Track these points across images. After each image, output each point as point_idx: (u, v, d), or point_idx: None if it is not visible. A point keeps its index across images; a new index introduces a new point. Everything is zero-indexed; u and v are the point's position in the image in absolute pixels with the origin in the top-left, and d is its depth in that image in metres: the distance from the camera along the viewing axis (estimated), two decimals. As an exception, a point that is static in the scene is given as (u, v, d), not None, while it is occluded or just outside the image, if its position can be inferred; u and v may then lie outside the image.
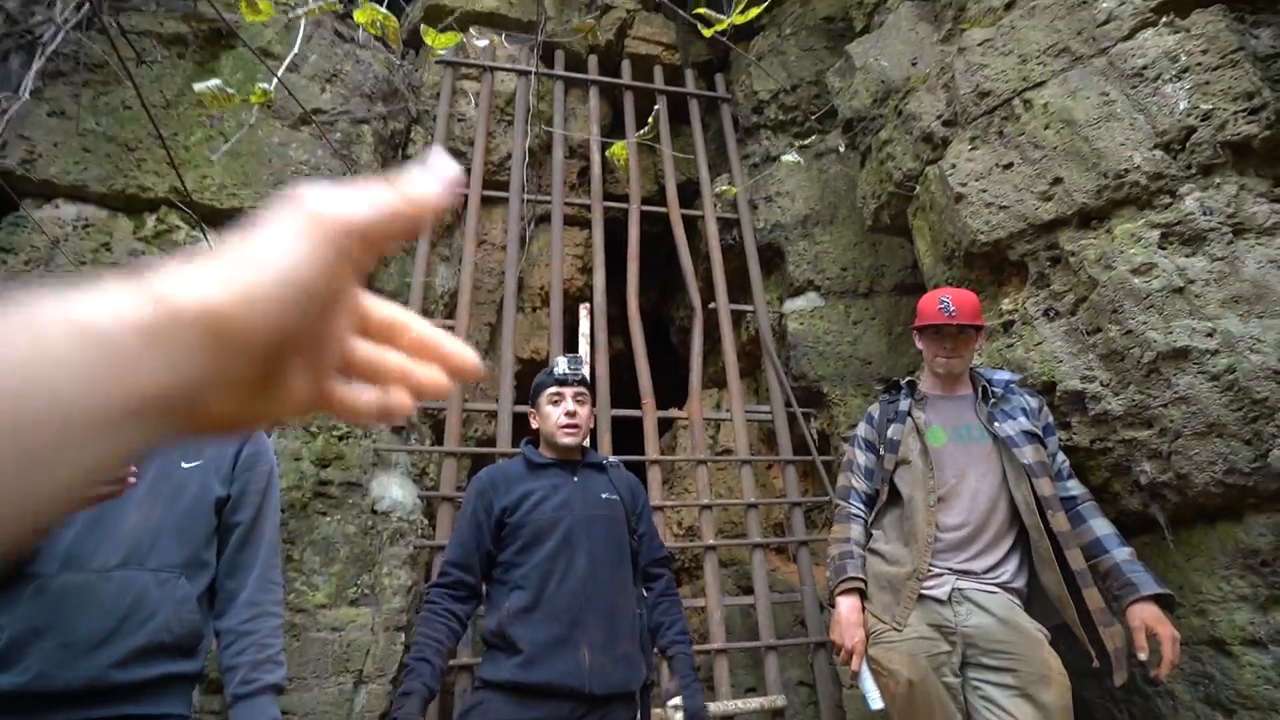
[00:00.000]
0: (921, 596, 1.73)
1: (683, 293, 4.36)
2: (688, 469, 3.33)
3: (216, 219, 2.39)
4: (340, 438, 2.23)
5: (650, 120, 1.50)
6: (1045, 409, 1.90)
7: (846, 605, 1.80)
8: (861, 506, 1.95)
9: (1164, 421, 1.70)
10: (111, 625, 1.06)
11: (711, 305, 3.16)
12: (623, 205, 3.38)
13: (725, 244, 3.49)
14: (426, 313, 2.76)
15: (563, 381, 1.79)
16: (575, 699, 1.47)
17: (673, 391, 3.91)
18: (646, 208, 3.40)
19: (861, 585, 1.83)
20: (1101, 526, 1.72)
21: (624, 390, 3.06)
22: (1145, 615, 1.58)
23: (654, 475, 2.68)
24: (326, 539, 2.14)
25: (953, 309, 1.81)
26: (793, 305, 3.32)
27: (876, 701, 1.68)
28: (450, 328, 2.81)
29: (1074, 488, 1.80)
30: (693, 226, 3.67)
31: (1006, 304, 2.19)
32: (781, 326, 3.31)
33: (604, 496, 1.73)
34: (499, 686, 1.49)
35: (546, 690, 1.47)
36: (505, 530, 1.64)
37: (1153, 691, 1.84)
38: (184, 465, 1.25)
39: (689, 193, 3.82)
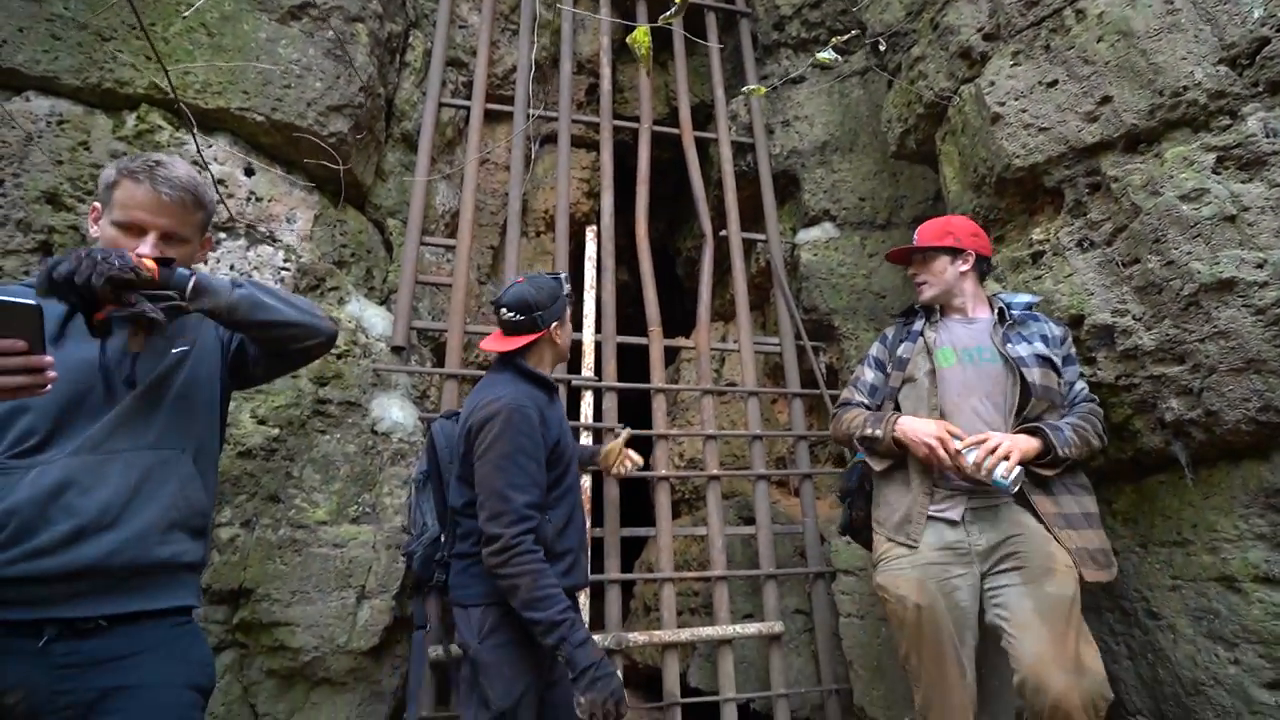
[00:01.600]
0: (932, 518, 1.73)
1: (690, 224, 4.22)
2: (691, 400, 3.29)
3: (203, 121, 2.24)
4: (338, 356, 2.16)
5: (677, 2, 1.35)
6: (1069, 339, 1.85)
7: (908, 425, 1.73)
8: (860, 407, 1.98)
9: (1198, 357, 1.63)
10: (119, 506, 1.04)
11: (722, 233, 3.04)
12: (633, 125, 3.19)
13: (739, 170, 3.33)
14: (427, 232, 2.64)
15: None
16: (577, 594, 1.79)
17: (676, 325, 3.82)
18: (658, 128, 3.22)
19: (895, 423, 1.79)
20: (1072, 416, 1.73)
21: (625, 322, 2.97)
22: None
23: (658, 404, 2.64)
24: (326, 457, 2.10)
25: (914, 236, 1.91)
26: (806, 235, 3.19)
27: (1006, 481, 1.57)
28: (451, 249, 2.70)
29: (1080, 408, 1.76)
30: (705, 152, 3.49)
31: (1037, 234, 2.08)
32: (794, 257, 3.20)
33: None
34: None
35: (573, 590, 1.69)
36: (551, 460, 1.64)
37: (1153, 625, 1.85)
38: (174, 351, 1.20)
39: (702, 116, 3.62)
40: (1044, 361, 1.74)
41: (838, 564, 2.53)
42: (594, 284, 2.71)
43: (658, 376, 2.68)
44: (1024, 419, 1.71)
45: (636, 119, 3.22)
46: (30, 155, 2.03)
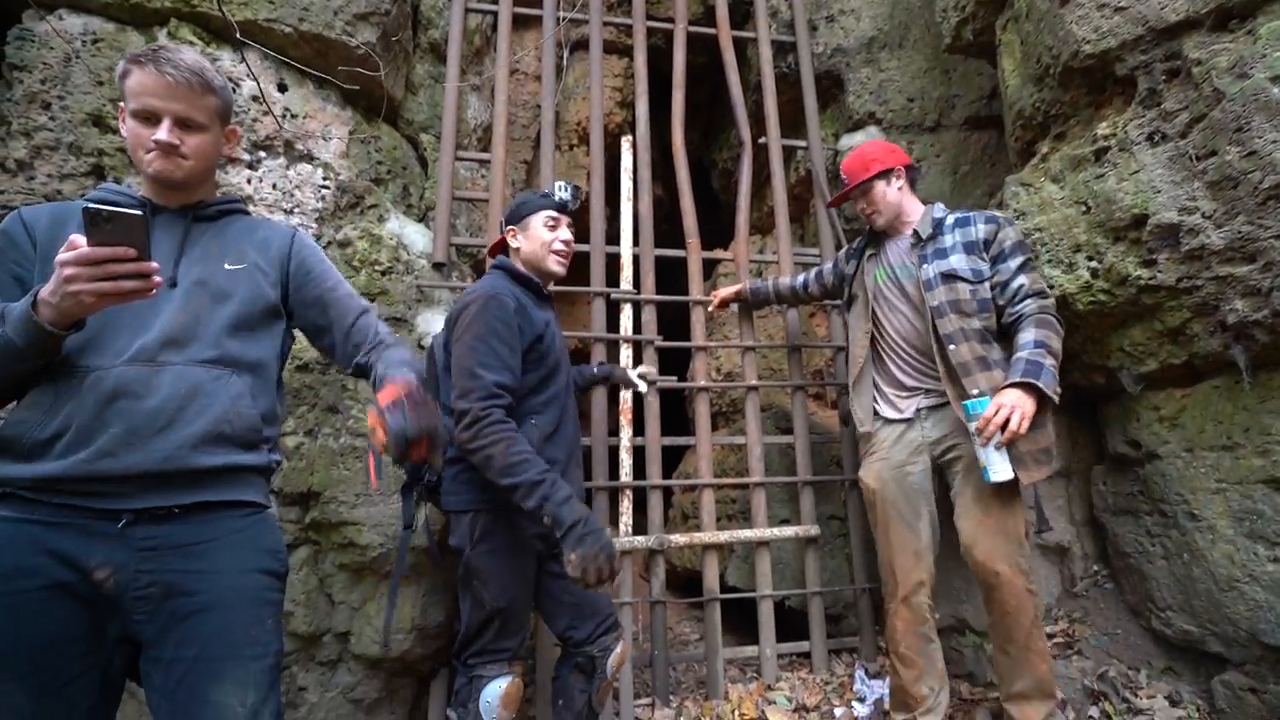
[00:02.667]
0: (890, 420, 1.97)
1: (726, 133, 4.06)
2: (728, 315, 3.29)
3: (230, 33, 2.20)
4: (383, 273, 2.20)
5: None
6: (1007, 233, 1.84)
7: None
8: (803, 276, 2.46)
9: (1272, 254, 1.55)
10: (172, 412, 1.07)
11: (761, 141, 2.92)
12: (667, 26, 3.02)
13: (779, 72, 3.16)
14: (460, 147, 2.60)
15: (562, 208, 1.78)
16: None
17: (712, 240, 3.76)
18: (694, 29, 3.04)
19: (739, 287, 2.59)
20: (1027, 335, 1.72)
21: (660, 239, 2.92)
22: (999, 395, 1.65)
23: (697, 316, 2.64)
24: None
25: (844, 177, 2.02)
26: (850, 140, 3.05)
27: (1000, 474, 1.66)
28: (485, 163, 2.66)
29: (1026, 307, 1.77)
30: (742, 54, 3.31)
31: (1103, 129, 1.95)
32: (836, 165, 3.07)
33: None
34: None
35: None
36: (531, 357, 1.63)
37: (1192, 527, 1.87)
38: (226, 268, 1.21)
39: (740, 15, 3.40)
40: (948, 278, 1.83)
41: (873, 472, 2.59)
42: (630, 196, 2.66)
43: (696, 289, 2.67)
44: (941, 334, 1.81)
45: (670, 19, 3.04)
46: (72, 76, 2.04)
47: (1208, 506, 1.82)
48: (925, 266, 1.88)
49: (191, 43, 2.15)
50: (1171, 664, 2.03)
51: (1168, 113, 1.77)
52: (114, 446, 1.03)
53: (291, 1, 2.22)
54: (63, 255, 0.92)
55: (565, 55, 3.30)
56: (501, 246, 1.85)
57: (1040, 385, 1.61)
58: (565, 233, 1.77)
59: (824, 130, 3.14)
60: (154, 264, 0.96)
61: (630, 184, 2.66)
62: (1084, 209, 1.95)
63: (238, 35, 1.69)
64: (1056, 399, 1.64)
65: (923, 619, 1.85)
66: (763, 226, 3.64)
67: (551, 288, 2.44)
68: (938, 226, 1.93)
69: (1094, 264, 1.94)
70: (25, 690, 0.96)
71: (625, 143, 2.70)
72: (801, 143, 3.00)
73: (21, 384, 1.05)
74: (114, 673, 1.06)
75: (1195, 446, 1.87)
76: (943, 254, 1.88)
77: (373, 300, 2.17)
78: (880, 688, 2.27)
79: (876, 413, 2.00)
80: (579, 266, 2.72)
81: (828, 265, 2.41)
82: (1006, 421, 1.59)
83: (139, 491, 1.05)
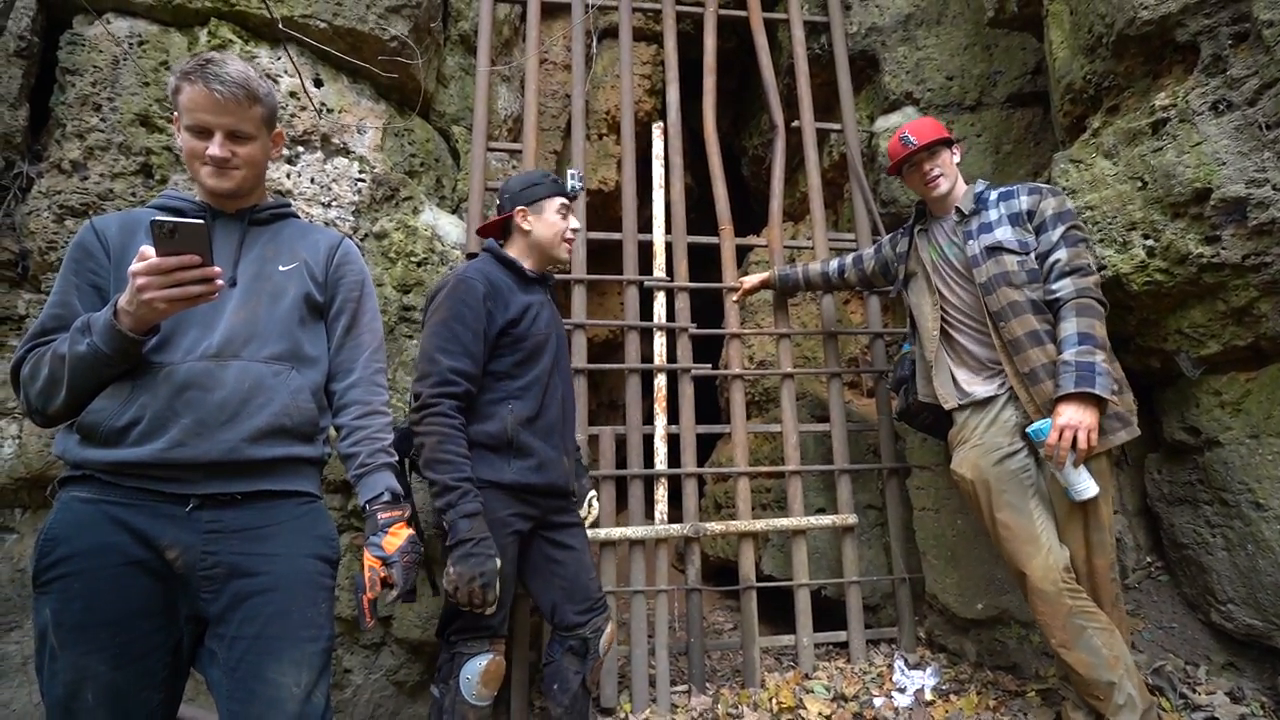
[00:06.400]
0: (975, 404, 1.85)
1: (756, 119, 3.99)
2: (761, 303, 3.25)
3: (269, 32, 2.24)
4: (418, 264, 2.23)
5: None
6: (1048, 203, 1.77)
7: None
8: (837, 261, 2.44)
9: (1349, 226, 1.46)
10: (236, 406, 1.12)
11: (794, 124, 2.86)
12: (697, 10, 2.98)
13: (812, 54, 3.09)
14: (491, 138, 2.61)
15: (573, 195, 1.80)
16: (562, 496, 1.75)
17: (741, 227, 3.71)
18: (724, 12, 2.99)
19: (766, 275, 2.56)
20: (1068, 327, 1.65)
21: (690, 227, 2.89)
22: (1057, 415, 1.59)
23: (731, 303, 2.61)
24: (414, 360, 2.22)
25: (912, 139, 1.91)
26: (886, 123, 2.96)
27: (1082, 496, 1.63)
28: (516, 154, 2.67)
29: (1063, 287, 1.70)
30: (773, 37, 3.24)
31: (1161, 99, 1.85)
32: (871, 148, 2.99)
33: (560, 318, 1.85)
34: (504, 487, 1.59)
35: (547, 490, 1.68)
36: (505, 341, 1.63)
37: (1257, 516, 1.78)
38: (280, 269, 1.27)
39: (770, -3, 3.33)
40: (994, 251, 1.78)
41: (912, 460, 2.53)
42: (662, 183, 2.63)
43: (729, 276, 2.63)
44: (991, 310, 1.77)
45: (700, 3, 2.99)
46: (120, 78, 2.11)
47: (1275, 495, 1.74)
48: (971, 242, 1.84)
49: (230, 41, 2.19)
50: (1233, 659, 1.94)
51: (1234, 79, 1.68)
52: (184, 436, 1.09)
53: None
54: (134, 267, 0.98)
55: (594, 43, 3.29)
56: (498, 226, 1.81)
57: (1097, 393, 1.55)
58: (574, 221, 1.81)
59: (859, 112, 3.07)
60: (217, 269, 1.01)
61: (662, 171, 2.63)
62: (1140, 184, 1.87)
63: (280, 26, 1.71)
64: (1114, 399, 1.59)
65: (1065, 607, 1.64)
66: (795, 213, 3.58)
67: (582, 275, 2.45)
68: (980, 201, 1.88)
69: (1150, 242, 1.85)
70: (107, 660, 1.02)
71: (656, 129, 2.68)
72: (836, 125, 2.93)
73: (105, 385, 1.11)
74: (184, 649, 1.12)
75: (1261, 433, 1.77)
76: (988, 228, 1.83)
77: (409, 292, 2.20)
78: (921, 678, 2.23)
79: (959, 390, 1.89)
80: (611, 255, 2.71)
81: (867, 250, 2.36)
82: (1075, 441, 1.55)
83: (205, 478, 1.11)
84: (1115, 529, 1.90)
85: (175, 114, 1.22)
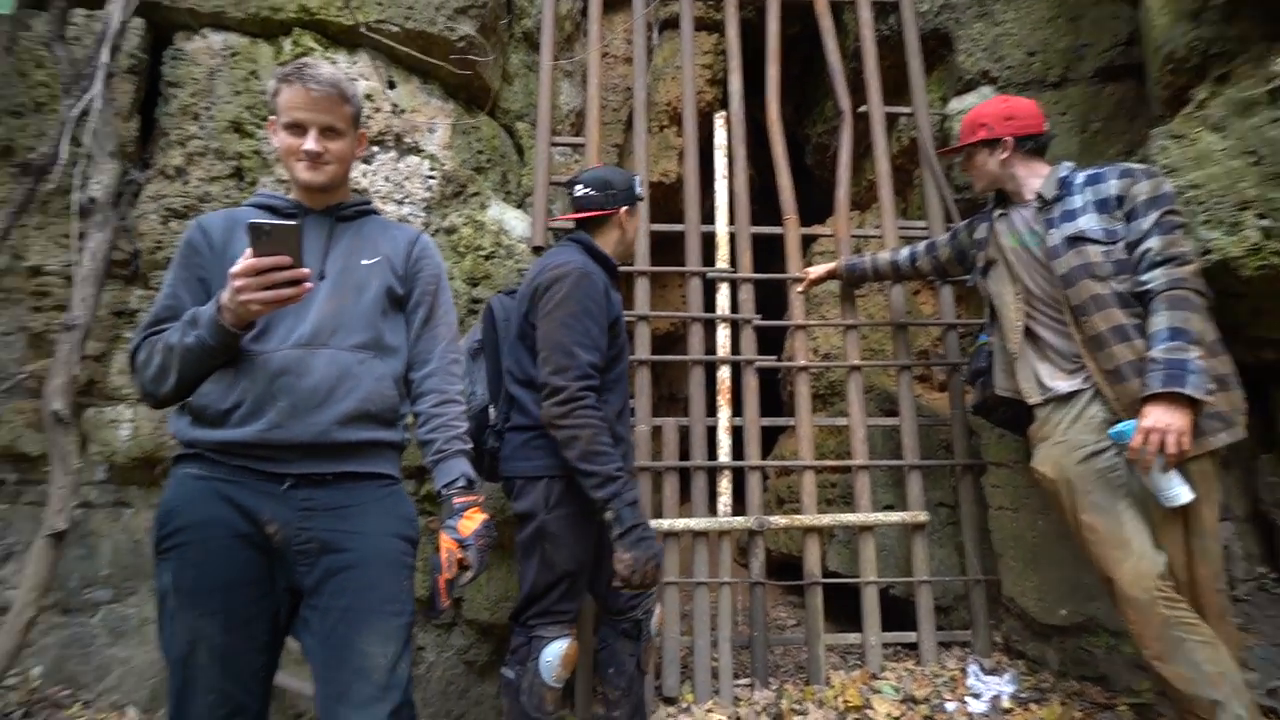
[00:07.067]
0: (1058, 399, 1.75)
1: (821, 106, 3.89)
2: (826, 294, 3.17)
3: (346, 38, 2.35)
4: (486, 258, 2.29)
5: None
6: (1140, 187, 1.63)
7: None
8: (909, 249, 2.37)
9: None
10: (325, 391, 1.19)
11: (862, 109, 2.77)
12: (759, -5, 2.92)
13: (880, 35, 2.98)
14: (554, 132, 2.65)
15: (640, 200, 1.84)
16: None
17: (804, 217, 3.62)
18: (787, -4, 2.92)
19: (832, 265, 2.51)
20: (1159, 322, 1.53)
21: (752, 216, 2.84)
22: (1142, 417, 1.50)
23: (795, 294, 2.56)
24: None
25: (955, 137, 1.96)
26: (960, 104, 2.82)
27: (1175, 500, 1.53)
28: (578, 148, 2.70)
29: (1153, 279, 1.56)
30: (838, 22, 3.14)
31: None
32: (944, 131, 2.86)
33: None
34: None
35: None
36: (609, 336, 1.65)
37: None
38: (363, 263, 1.33)
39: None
40: (1076, 241, 1.68)
41: (989, 457, 2.42)
42: (725, 173, 2.60)
43: (794, 266, 2.58)
44: (1073, 304, 1.68)
45: (762, -13, 2.93)
46: (215, 88, 2.26)
47: None
48: (1052, 231, 1.73)
49: (311, 48, 2.31)
50: (1359, 680, 1.76)
51: (1366, 39, 1.51)
52: (280, 419, 1.17)
53: (398, 1, 2.33)
54: (233, 269, 1.07)
55: (655, 35, 3.28)
56: (590, 220, 1.79)
57: (1188, 393, 1.44)
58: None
59: (930, 94, 2.94)
60: (306, 270, 1.10)
61: (725, 161, 2.61)
62: (1253, 159, 1.71)
63: (363, 29, 1.79)
64: (1210, 398, 1.46)
65: (1160, 617, 1.52)
66: (862, 201, 3.47)
67: (646, 268, 2.46)
68: (1064, 186, 1.76)
69: (1266, 222, 1.70)
70: (218, 623, 1.12)
71: (719, 119, 2.65)
72: (906, 109, 2.82)
73: (209, 372, 1.20)
74: (282, 617, 1.20)
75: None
76: (1070, 216, 1.71)
77: (477, 284, 2.26)
78: (999, 685, 2.13)
79: (1042, 384, 1.78)
80: (670, 248, 2.71)
81: (941, 237, 2.28)
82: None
83: (299, 458, 1.18)
84: (1222, 536, 1.75)
85: (271, 117, 1.31)
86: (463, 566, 1.26)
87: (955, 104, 2.85)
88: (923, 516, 2.38)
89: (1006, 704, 2.08)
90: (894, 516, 2.38)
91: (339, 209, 1.36)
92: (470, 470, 1.35)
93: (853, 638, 2.38)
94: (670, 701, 2.21)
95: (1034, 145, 1.86)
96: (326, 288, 1.27)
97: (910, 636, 2.37)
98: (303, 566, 1.18)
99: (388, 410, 1.28)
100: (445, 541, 1.27)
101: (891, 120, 2.95)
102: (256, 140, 2.25)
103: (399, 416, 1.33)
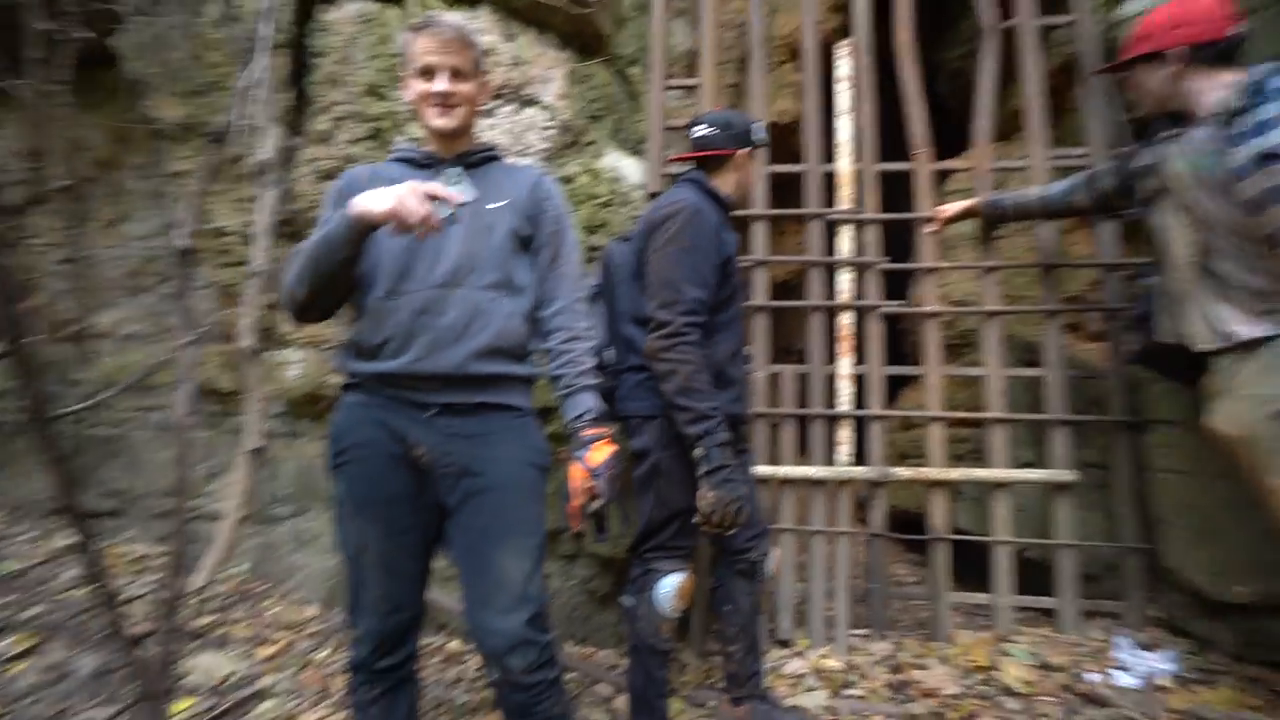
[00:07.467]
0: (1241, 346, 1.53)
1: (956, 28, 3.51)
2: (959, 237, 2.92)
3: (467, -6, 2.42)
4: (603, 205, 2.32)
5: None
6: None
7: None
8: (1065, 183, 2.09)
9: None
10: (460, 328, 1.29)
11: (1009, 23, 2.45)
12: (890, -96, 2.64)
13: (1034, -66, 2.60)
14: (667, 75, 2.59)
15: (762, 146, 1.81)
16: (743, 425, 1.79)
17: (936, 152, 3.32)
18: (923, -100, 2.62)
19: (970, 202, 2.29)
20: None
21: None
22: None
23: (926, 235, 2.38)
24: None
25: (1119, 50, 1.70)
26: (1136, 5, 2.43)
27: None
28: (692, 89, 2.63)
29: None
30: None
31: None
32: (1110, 39, 2.48)
33: None
34: None
35: (741, 419, 1.73)
36: (722, 275, 1.63)
37: None
38: (489, 207, 1.39)
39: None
40: (1268, 159, 1.40)
41: (1154, 414, 2.16)
42: (850, 107, 2.44)
43: (925, 206, 2.39)
44: (1267, 234, 1.43)
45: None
46: (353, 55, 2.41)
47: None
48: (1237, 149, 1.47)
49: (435, 8, 2.40)
50: None
51: None
52: (423, 352, 1.28)
53: (513, -43, 2.35)
54: (412, 182, 1.19)
55: (771, -37, 3.08)
56: (709, 160, 1.77)
57: None
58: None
59: (1096, -2, 2.55)
60: (443, 214, 1.20)
61: (850, 93, 2.43)
62: None
63: None
64: None
65: None
66: (1005, 130, 3.11)
67: (764, 211, 2.39)
68: (1257, 93, 1.46)
69: None
70: (380, 530, 1.27)
71: (843, 48, 2.47)
72: (1064, 18, 2.47)
73: (337, 285, 1.30)
74: (432, 530, 1.34)
75: None
76: (1261, 129, 1.43)
77: (595, 232, 2.30)
78: (1155, 661, 1.95)
79: (1220, 329, 1.57)
80: (789, 191, 2.59)
81: (1103, 167, 2.02)
82: None
83: (441, 389, 1.29)
84: None
85: (404, 72, 1.39)
86: (593, 495, 1.33)
87: (1131, 5, 2.45)
88: (1067, 476, 2.18)
89: (1163, 682, 1.90)
90: (1034, 474, 2.21)
91: (467, 156, 1.43)
92: (598, 404, 1.40)
93: (981, 598, 2.27)
94: (784, 645, 2.23)
95: (1214, 53, 1.57)
96: (459, 231, 1.34)
97: (1047, 602, 2.22)
98: (446, 486, 1.29)
99: (517, 346, 1.36)
100: (576, 470, 1.34)
101: (1044, 34, 2.59)
102: (389, 102, 2.39)
103: (528, 352, 1.41)
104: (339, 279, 1.30)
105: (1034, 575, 2.32)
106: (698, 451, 1.49)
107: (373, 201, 1.18)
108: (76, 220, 2.45)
